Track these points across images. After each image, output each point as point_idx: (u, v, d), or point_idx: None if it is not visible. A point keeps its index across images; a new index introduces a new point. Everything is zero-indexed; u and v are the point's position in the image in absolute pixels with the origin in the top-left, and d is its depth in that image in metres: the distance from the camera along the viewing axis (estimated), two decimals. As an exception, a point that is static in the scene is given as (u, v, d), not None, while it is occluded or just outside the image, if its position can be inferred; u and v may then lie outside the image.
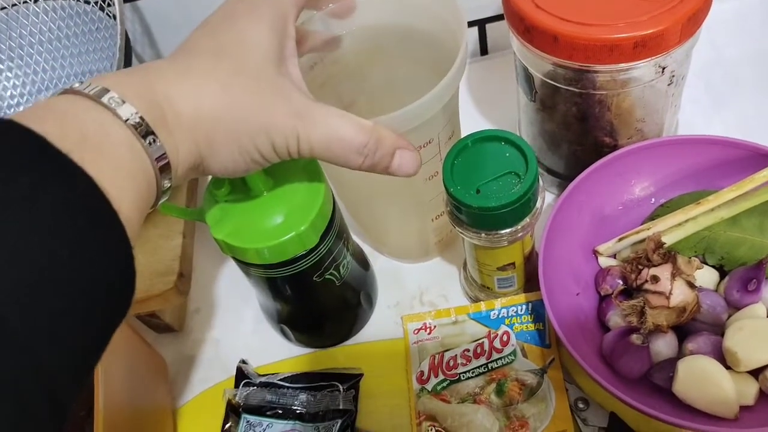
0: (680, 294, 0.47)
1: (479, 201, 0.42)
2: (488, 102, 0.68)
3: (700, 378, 0.44)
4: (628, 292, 0.50)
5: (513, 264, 0.50)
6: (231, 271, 0.61)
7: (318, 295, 0.51)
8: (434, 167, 0.47)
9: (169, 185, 0.33)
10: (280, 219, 0.44)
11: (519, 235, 0.46)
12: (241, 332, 0.58)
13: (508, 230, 0.45)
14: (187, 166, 0.34)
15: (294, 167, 0.45)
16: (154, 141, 0.31)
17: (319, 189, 0.45)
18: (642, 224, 0.53)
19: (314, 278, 0.48)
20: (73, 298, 0.25)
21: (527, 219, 0.45)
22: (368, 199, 0.51)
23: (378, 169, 0.38)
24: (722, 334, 0.47)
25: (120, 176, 0.29)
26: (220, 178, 0.45)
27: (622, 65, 0.46)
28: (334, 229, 0.47)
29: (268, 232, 0.43)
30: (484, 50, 0.72)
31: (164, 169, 0.32)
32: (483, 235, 0.45)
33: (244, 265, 0.46)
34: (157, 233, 0.55)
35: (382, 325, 0.57)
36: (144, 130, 0.30)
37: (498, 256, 0.48)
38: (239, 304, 0.60)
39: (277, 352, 0.56)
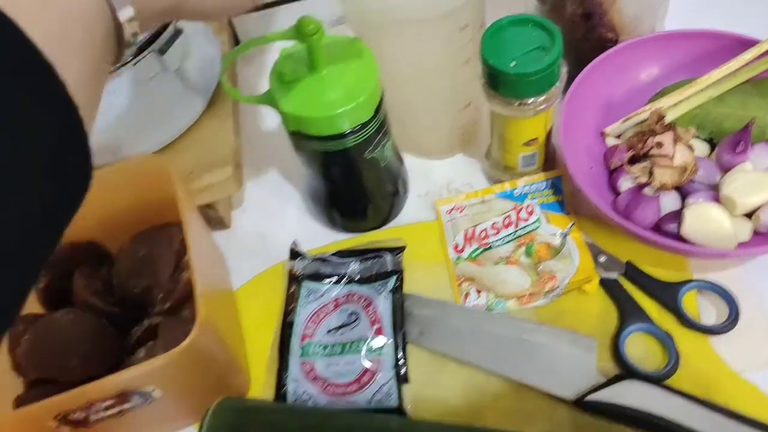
0: (681, 156, 0.55)
1: (515, 69, 0.50)
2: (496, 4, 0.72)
3: (705, 219, 0.52)
4: (634, 162, 0.57)
5: (536, 140, 0.57)
6: (274, 174, 0.67)
7: (365, 175, 0.57)
8: (469, 52, 0.54)
9: (134, 32, 0.29)
10: (340, 93, 0.50)
11: (543, 106, 0.53)
12: (287, 227, 0.64)
13: (537, 98, 0.52)
14: (158, 9, 0.30)
15: (349, 50, 0.51)
16: None
17: (372, 69, 0.51)
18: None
19: (364, 155, 0.54)
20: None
21: (552, 89, 0.52)
22: (406, 85, 0.57)
23: None
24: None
25: (64, 25, 0.24)
26: (285, 61, 0.51)
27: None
28: (382, 109, 0.53)
29: (331, 104, 0.49)
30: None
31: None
32: (516, 104, 0.52)
33: (306, 141, 0.52)
34: (213, 129, 0.61)
35: (415, 212, 0.63)
36: None
37: (525, 129, 0.55)
38: (283, 203, 0.65)
39: (322, 240, 0.62)
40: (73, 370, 0.47)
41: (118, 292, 0.53)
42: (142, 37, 0.53)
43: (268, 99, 0.52)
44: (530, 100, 0.52)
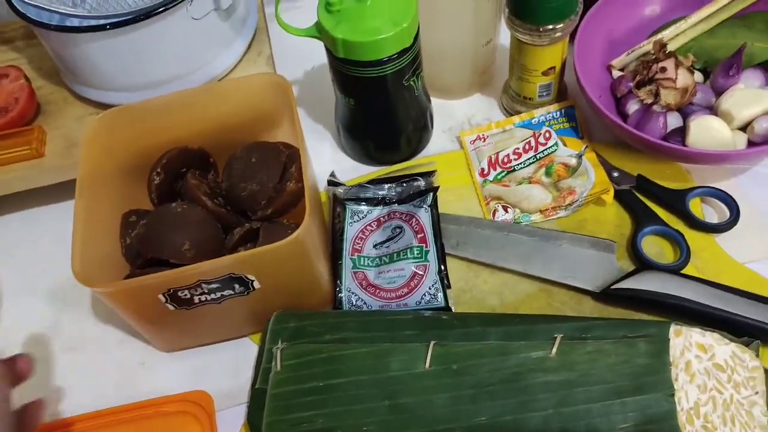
0: (683, 78, 0.62)
1: (541, -6, 0.56)
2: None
3: (707, 129, 0.59)
4: (640, 87, 0.64)
5: (553, 68, 0.63)
6: (307, 113, 0.72)
7: (401, 104, 0.62)
8: (493, -13, 0.60)
9: None
10: (384, 20, 0.55)
11: (559, 34, 0.59)
12: (322, 163, 0.68)
13: (556, 25, 0.58)
14: None
15: (390, -16, 0.57)
16: None
17: (412, 1, 0.57)
18: (644, 42, 0.67)
19: (402, 81, 0.59)
20: None
21: (572, 17, 0.59)
22: (435, 20, 0.62)
23: None
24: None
25: None
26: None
27: None
28: (419, 38, 0.58)
29: (377, 30, 0.55)
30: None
31: None
32: (538, 30, 0.58)
33: (353, 67, 0.57)
34: (252, 70, 0.66)
35: (441, 144, 0.69)
36: None
37: (544, 57, 0.62)
38: (317, 141, 0.70)
39: (355, 173, 0.68)
40: (184, 252, 0.51)
41: (228, 194, 0.58)
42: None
43: (318, 30, 0.57)
44: (550, 27, 0.58)
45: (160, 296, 0.49)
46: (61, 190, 0.65)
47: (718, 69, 0.64)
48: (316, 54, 0.63)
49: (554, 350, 0.49)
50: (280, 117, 0.61)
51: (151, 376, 0.58)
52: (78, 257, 0.49)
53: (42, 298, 0.63)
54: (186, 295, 0.49)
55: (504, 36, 0.66)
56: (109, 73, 0.62)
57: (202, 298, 0.50)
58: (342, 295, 0.58)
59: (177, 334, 0.57)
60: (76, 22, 0.59)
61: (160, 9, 0.57)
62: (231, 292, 0.50)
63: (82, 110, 0.67)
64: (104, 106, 0.64)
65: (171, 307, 0.50)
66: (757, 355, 0.50)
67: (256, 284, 0.50)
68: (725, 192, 0.60)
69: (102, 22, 0.57)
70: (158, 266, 0.53)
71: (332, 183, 0.65)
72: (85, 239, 0.51)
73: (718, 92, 0.63)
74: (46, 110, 0.67)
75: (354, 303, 0.58)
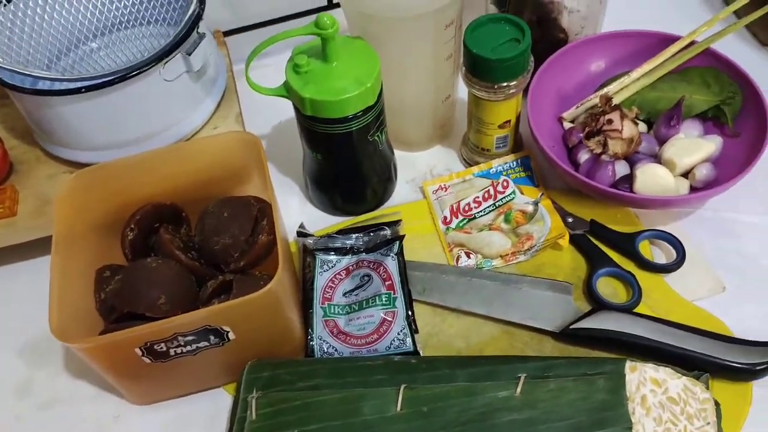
0: (628, 129, 0.66)
1: (495, 54, 0.60)
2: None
3: (652, 176, 0.63)
4: (590, 138, 0.68)
5: (509, 121, 0.67)
6: (275, 167, 0.75)
7: (366, 157, 0.65)
8: (451, 48, 0.65)
9: None
10: (349, 81, 0.59)
11: (514, 90, 0.64)
12: (290, 214, 0.71)
13: (510, 82, 0.62)
14: None
15: (354, 46, 0.61)
16: None
17: (375, 62, 0.60)
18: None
19: (367, 136, 0.63)
20: None
21: (523, 75, 0.63)
22: (397, 78, 0.66)
23: None
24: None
25: None
26: (299, 56, 0.59)
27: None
28: (382, 96, 0.62)
29: (343, 89, 0.58)
30: None
31: None
32: (495, 86, 0.62)
33: (319, 124, 0.60)
34: (222, 127, 0.68)
35: (405, 195, 0.72)
36: None
37: (500, 111, 0.66)
38: (285, 193, 0.73)
39: (323, 224, 0.70)
40: (160, 306, 0.53)
41: (201, 248, 0.60)
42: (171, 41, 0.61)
43: (286, 89, 0.60)
44: (504, 84, 0.63)
45: (137, 350, 0.50)
46: (32, 248, 0.66)
47: (660, 120, 0.68)
48: (283, 111, 0.66)
49: (519, 389, 0.52)
50: (249, 172, 0.64)
51: (126, 430, 0.59)
52: (55, 314, 0.50)
53: (14, 355, 0.64)
54: (162, 348, 0.50)
55: (462, 92, 0.70)
56: (82, 134, 0.64)
57: (178, 350, 0.51)
58: (314, 343, 0.60)
59: (152, 387, 0.58)
60: (48, 85, 0.62)
61: (135, 72, 0.59)
62: (206, 343, 0.52)
63: (55, 169, 0.68)
64: (77, 165, 0.66)
65: (147, 360, 0.52)
66: (707, 388, 0.53)
67: (231, 335, 0.52)
68: (671, 234, 0.64)
69: (77, 85, 0.59)
70: (132, 320, 0.54)
71: (301, 234, 0.67)
72: (61, 295, 0.52)
73: (661, 141, 0.68)
74: (18, 170, 0.68)
75: (325, 350, 0.59)
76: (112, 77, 0.59)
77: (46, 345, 0.63)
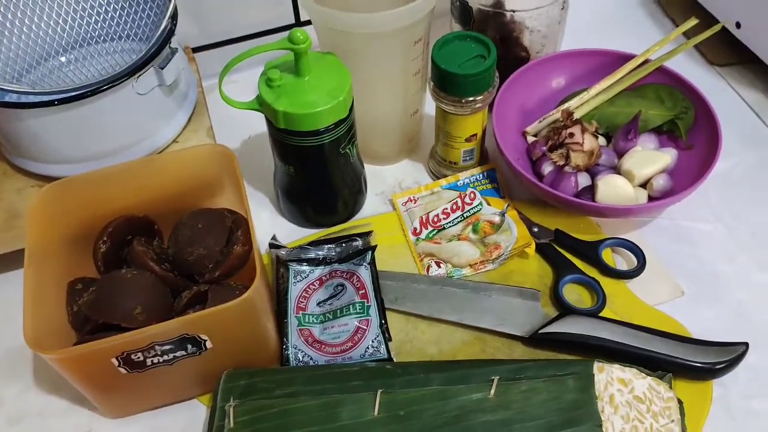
0: (589, 142, 0.69)
1: (462, 70, 0.62)
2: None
3: (613, 186, 0.66)
4: (552, 151, 0.71)
5: (475, 135, 0.69)
6: (247, 180, 0.75)
7: (337, 170, 0.67)
8: (419, 64, 0.67)
9: None
10: (321, 95, 0.60)
11: (480, 105, 0.66)
12: (262, 227, 0.71)
13: (476, 96, 0.65)
14: None
15: (326, 61, 0.62)
16: None
17: (346, 75, 0.62)
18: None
19: (339, 149, 0.64)
20: None
21: (489, 90, 0.65)
22: (367, 93, 0.68)
23: None
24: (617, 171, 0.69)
25: None
26: (272, 71, 0.61)
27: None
28: (353, 110, 0.64)
29: (315, 103, 0.59)
30: None
31: None
32: (462, 101, 0.64)
33: (292, 137, 0.61)
34: (193, 140, 0.69)
35: (375, 207, 0.74)
36: None
37: (467, 125, 0.68)
38: (257, 206, 0.73)
39: (295, 236, 0.71)
40: (135, 316, 0.53)
41: (175, 259, 0.60)
42: (143, 55, 0.62)
43: (259, 103, 0.61)
44: (471, 98, 0.65)
45: (114, 360, 0.50)
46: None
47: (619, 134, 0.72)
48: (253, 125, 0.68)
49: (493, 391, 0.53)
50: (222, 184, 0.64)
51: (99, 444, 0.58)
52: (30, 325, 0.50)
53: (-20, 371, 0.63)
54: (139, 357, 0.50)
55: (429, 106, 0.72)
56: (52, 147, 0.64)
57: (155, 360, 0.51)
58: (289, 352, 0.60)
59: (127, 399, 0.57)
60: (15, 98, 0.61)
61: (108, 85, 0.60)
62: (183, 352, 0.52)
63: (23, 182, 0.68)
64: (46, 179, 0.66)
65: (123, 371, 0.52)
66: (671, 387, 0.55)
67: (209, 344, 0.52)
68: (632, 242, 0.67)
69: (51, 98, 0.59)
70: (107, 332, 0.54)
71: (274, 246, 0.68)
72: (35, 307, 0.52)
73: (620, 154, 0.71)
74: (-15, 184, 0.68)
75: (301, 359, 0.60)
76: (86, 90, 0.60)
77: (13, 359, 0.62)
